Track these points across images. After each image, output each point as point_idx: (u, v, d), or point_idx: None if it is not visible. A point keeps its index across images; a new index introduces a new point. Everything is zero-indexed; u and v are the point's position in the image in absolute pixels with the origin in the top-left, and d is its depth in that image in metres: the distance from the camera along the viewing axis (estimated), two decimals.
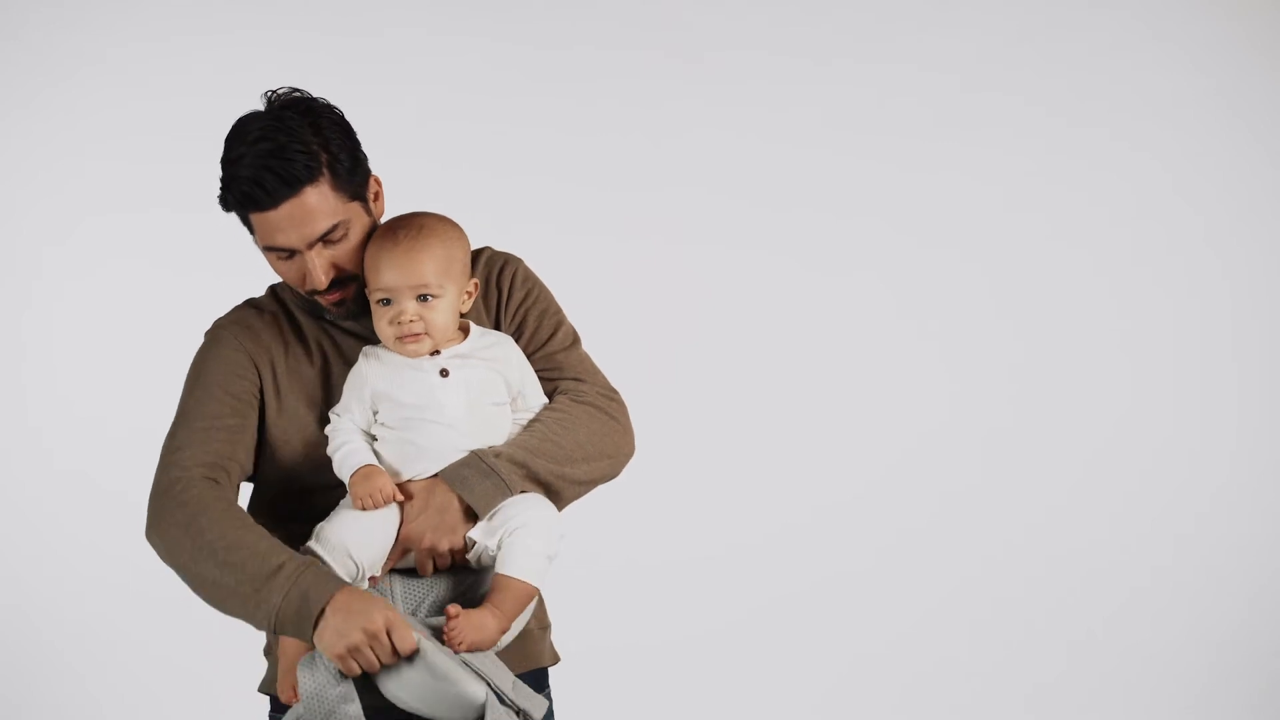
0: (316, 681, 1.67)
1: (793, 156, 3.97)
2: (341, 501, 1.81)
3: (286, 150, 1.78)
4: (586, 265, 3.62)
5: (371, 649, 1.65)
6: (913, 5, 3.99)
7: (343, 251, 1.84)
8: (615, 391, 1.93)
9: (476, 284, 1.87)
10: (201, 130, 3.77)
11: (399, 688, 1.66)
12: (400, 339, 1.79)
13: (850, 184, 3.98)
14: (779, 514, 3.94)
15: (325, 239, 1.82)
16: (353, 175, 1.84)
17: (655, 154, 3.95)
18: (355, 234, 1.84)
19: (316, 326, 1.95)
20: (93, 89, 3.80)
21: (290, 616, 1.68)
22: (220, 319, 1.97)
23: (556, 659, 2.01)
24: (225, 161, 1.82)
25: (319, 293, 1.86)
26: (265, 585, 1.70)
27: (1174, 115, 4.01)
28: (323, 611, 1.66)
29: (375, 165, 1.92)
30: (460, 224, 1.87)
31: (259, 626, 1.72)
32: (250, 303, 2.00)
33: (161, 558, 1.81)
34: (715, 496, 3.93)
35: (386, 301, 1.79)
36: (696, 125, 3.96)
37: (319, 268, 1.82)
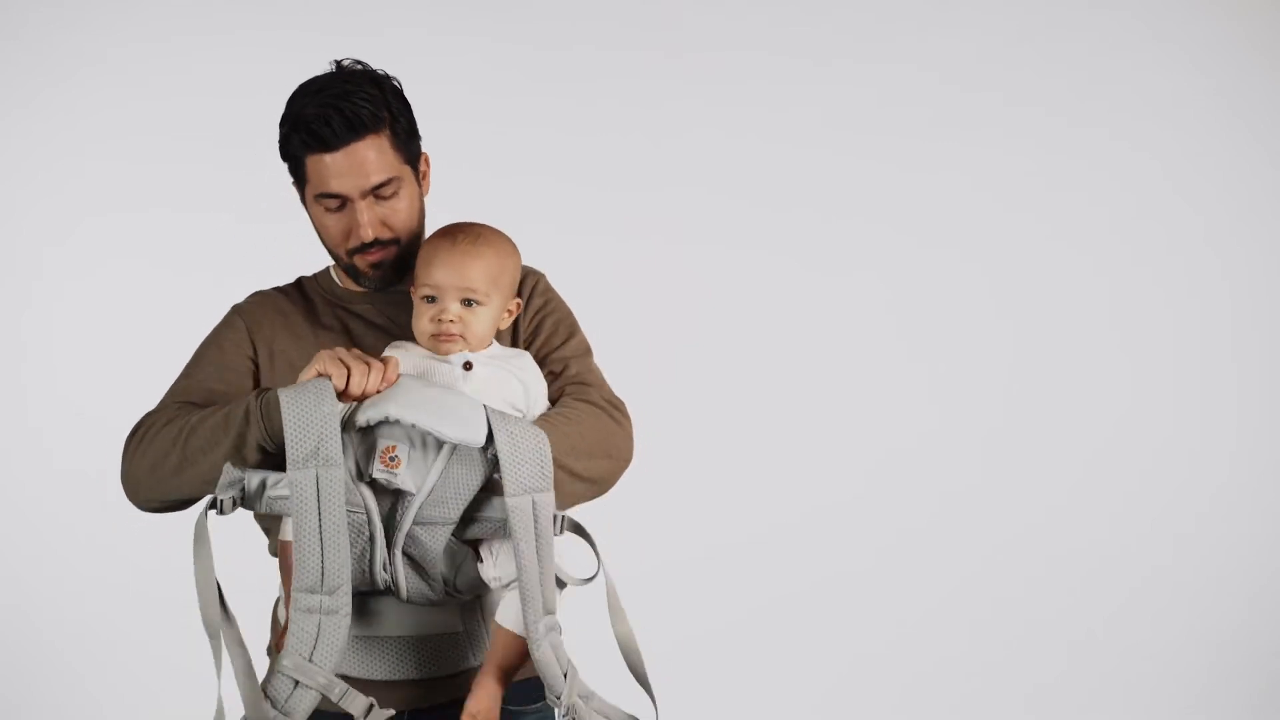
0: (302, 403, 1.62)
1: (793, 156, 3.97)
2: None
3: (353, 97, 1.83)
4: (586, 265, 3.61)
5: (360, 370, 1.65)
6: (913, 5, 3.99)
7: (391, 210, 1.88)
8: (621, 401, 1.93)
9: (519, 304, 1.89)
10: (201, 130, 3.81)
11: (395, 404, 1.65)
12: (436, 336, 1.80)
13: (850, 184, 3.98)
14: (779, 514, 3.94)
15: (378, 193, 1.86)
16: (410, 140, 1.91)
17: (655, 154, 3.95)
18: (405, 196, 1.89)
19: (332, 313, 1.97)
20: (93, 89, 3.80)
21: (269, 396, 1.68)
22: (238, 302, 2.00)
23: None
24: (288, 112, 1.87)
25: (361, 249, 1.88)
26: (236, 404, 1.72)
27: (1174, 115, 4.01)
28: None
29: None
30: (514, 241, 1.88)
31: (236, 445, 1.69)
32: (273, 287, 2.03)
33: (141, 479, 1.78)
34: (715, 496, 3.93)
35: (431, 299, 1.80)
36: (696, 125, 3.96)
37: (368, 220, 1.85)
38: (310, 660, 1.62)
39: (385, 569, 1.71)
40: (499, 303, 1.83)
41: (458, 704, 1.85)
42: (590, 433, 1.81)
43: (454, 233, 1.83)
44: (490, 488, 1.72)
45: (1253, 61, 4.03)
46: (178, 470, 1.74)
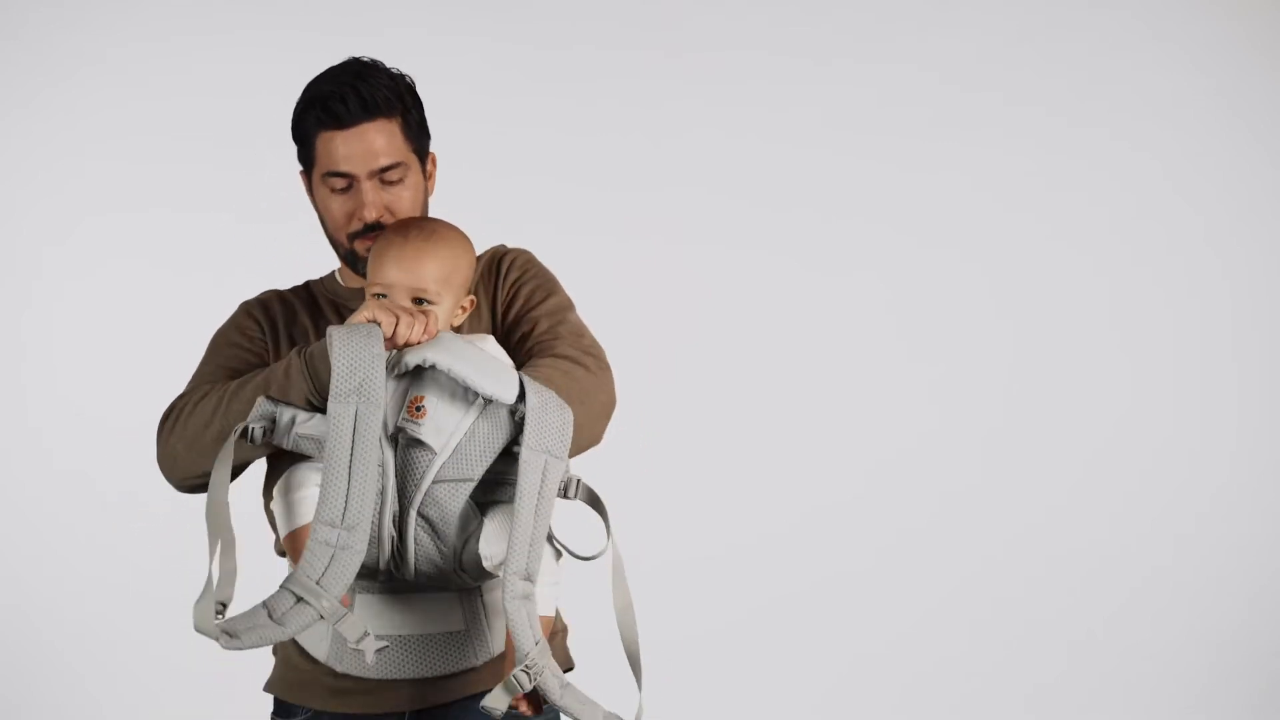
0: (354, 341, 1.66)
1: (793, 156, 3.97)
2: None
3: (370, 80, 1.87)
4: (586, 265, 3.60)
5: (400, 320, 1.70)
6: (913, 5, 3.99)
7: (395, 197, 1.89)
8: (599, 348, 1.88)
9: (473, 300, 1.88)
10: (201, 130, 3.81)
11: (437, 352, 1.69)
12: (389, 337, 1.77)
13: (850, 184, 3.98)
14: (778, 514, 3.94)
15: (384, 176, 1.88)
16: (420, 134, 1.93)
17: (655, 154, 3.95)
18: (410, 186, 1.90)
19: (335, 313, 1.97)
20: (93, 89, 3.80)
21: (313, 349, 1.73)
22: (247, 299, 2.02)
23: (570, 665, 1.99)
24: (305, 93, 1.90)
25: (363, 233, 1.89)
26: (275, 365, 1.76)
27: (1174, 115, 4.01)
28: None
29: None
30: (467, 233, 1.87)
31: (283, 390, 1.73)
32: (284, 289, 2.04)
33: (180, 458, 1.81)
34: (715, 496, 3.93)
35: (382, 298, 1.78)
36: (696, 125, 3.96)
37: (372, 201, 1.87)
38: (318, 584, 1.63)
39: (394, 522, 1.71)
40: (450, 301, 1.80)
41: (459, 703, 1.85)
42: (552, 382, 1.76)
43: (406, 229, 1.82)
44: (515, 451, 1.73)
45: (1253, 61, 4.03)
46: (220, 438, 1.75)
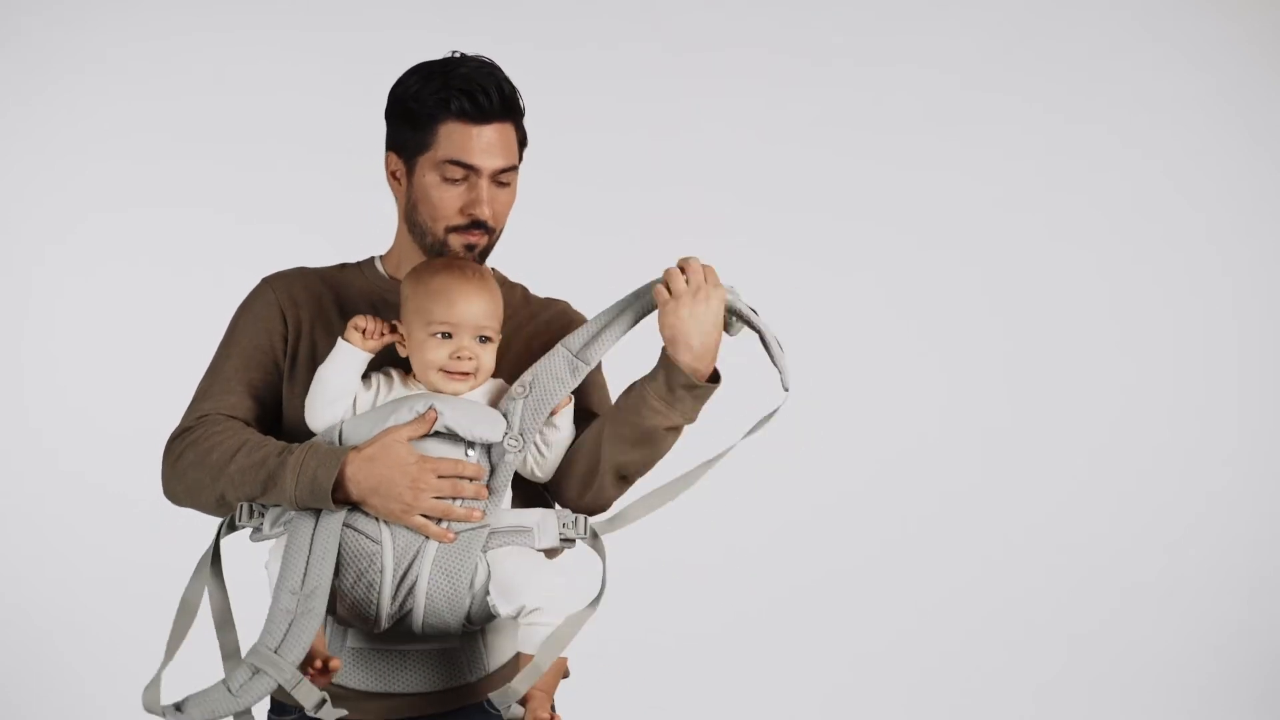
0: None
1: (792, 156, 3.97)
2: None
3: (508, 81, 1.90)
4: (587, 265, 3.63)
5: (424, 487, 1.72)
6: (913, 5, 4.00)
7: (499, 197, 1.90)
8: None
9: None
10: (201, 130, 3.81)
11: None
12: (450, 373, 1.78)
13: (850, 184, 3.99)
14: (779, 514, 3.94)
15: (499, 177, 1.89)
16: (523, 140, 1.96)
17: (655, 153, 3.95)
18: (511, 190, 1.93)
19: (368, 303, 1.94)
20: (93, 89, 3.81)
21: (306, 493, 1.73)
22: (270, 274, 1.98)
23: (565, 673, 1.99)
24: (430, 78, 1.87)
25: (465, 228, 1.88)
26: (276, 469, 1.75)
27: (1174, 115, 4.02)
28: (339, 481, 1.71)
29: None
30: None
31: (275, 482, 1.76)
32: (314, 267, 2.00)
33: (180, 498, 1.85)
34: (715, 497, 3.91)
35: (447, 335, 1.78)
36: (696, 124, 3.96)
37: (488, 199, 1.87)
38: (276, 653, 1.66)
39: (394, 597, 1.72)
40: (498, 341, 1.83)
41: (450, 715, 1.85)
42: None
43: (464, 268, 1.82)
44: (523, 498, 1.82)
45: (1253, 61, 4.03)
46: (218, 507, 1.82)
